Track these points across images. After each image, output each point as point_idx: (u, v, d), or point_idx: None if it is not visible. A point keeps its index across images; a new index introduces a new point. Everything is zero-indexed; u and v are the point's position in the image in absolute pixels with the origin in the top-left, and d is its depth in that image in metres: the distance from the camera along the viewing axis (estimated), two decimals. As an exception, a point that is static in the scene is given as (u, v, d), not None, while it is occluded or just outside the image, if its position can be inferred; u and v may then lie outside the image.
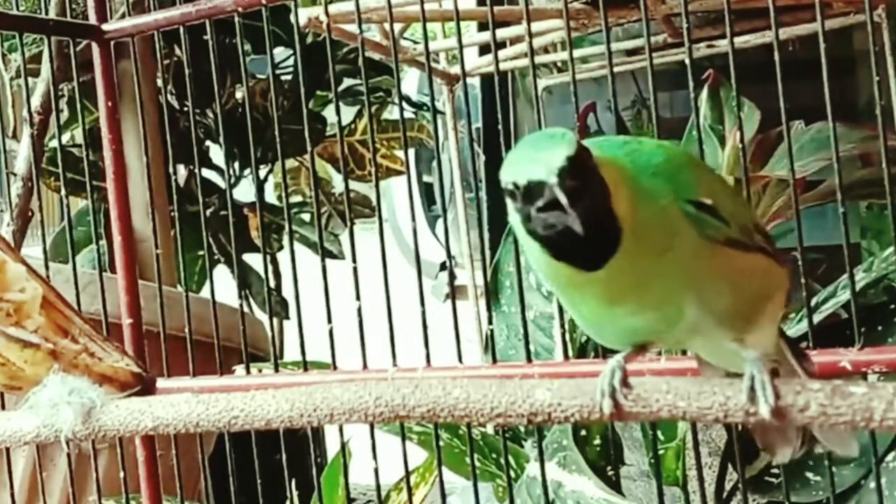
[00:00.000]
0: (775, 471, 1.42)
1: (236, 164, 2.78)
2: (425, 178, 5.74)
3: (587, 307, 0.74)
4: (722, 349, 0.79)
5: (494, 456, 1.48)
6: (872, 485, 1.28)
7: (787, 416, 0.71)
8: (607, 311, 0.74)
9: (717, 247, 0.73)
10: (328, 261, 1.35)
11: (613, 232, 0.69)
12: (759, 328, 0.78)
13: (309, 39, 2.58)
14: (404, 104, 2.96)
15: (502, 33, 1.81)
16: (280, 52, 2.93)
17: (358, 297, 1.27)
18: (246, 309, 2.63)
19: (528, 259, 0.77)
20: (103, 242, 1.89)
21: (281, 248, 2.80)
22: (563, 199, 0.66)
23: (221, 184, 2.64)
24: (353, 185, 2.90)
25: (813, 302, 1.43)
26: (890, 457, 1.32)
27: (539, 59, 2.20)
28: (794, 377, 0.84)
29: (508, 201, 0.70)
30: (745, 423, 0.83)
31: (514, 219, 0.71)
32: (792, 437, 0.87)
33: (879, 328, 1.36)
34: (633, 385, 0.75)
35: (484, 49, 2.29)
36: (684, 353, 1.28)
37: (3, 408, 1.38)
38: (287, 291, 2.73)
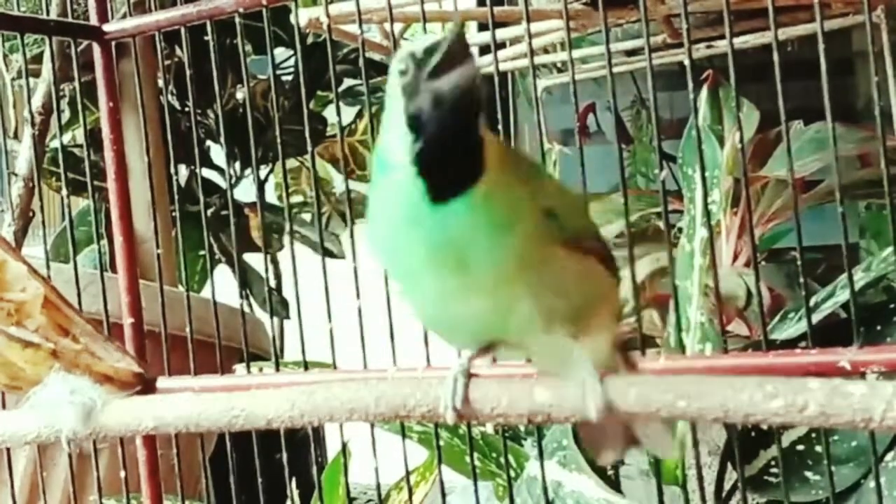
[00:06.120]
0: (775, 470, 1.42)
1: (237, 164, 2.78)
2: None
3: (431, 279, 0.74)
4: (560, 354, 0.81)
5: (494, 455, 1.48)
6: (872, 484, 1.28)
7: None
8: (449, 284, 0.74)
9: (554, 246, 0.76)
10: (328, 260, 1.35)
11: (477, 162, 0.72)
12: (588, 332, 0.80)
13: (309, 40, 2.58)
14: (404, 104, 2.96)
15: (502, 34, 1.81)
16: (280, 53, 2.93)
17: (358, 297, 1.27)
18: (246, 309, 2.63)
19: (378, 236, 0.77)
20: (104, 242, 1.89)
21: (281, 247, 2.80)
22: (467, 45, 0.70)
23: (222, 184, 2.64)
24: (353, 185, 2.89)
25: (812, 302, 1.44)
26: (889, 456, 1.32)
27: (539, 59, 2.20)
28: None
29: (396, 87, 0.72)
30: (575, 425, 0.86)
31: (395, 119, 0.73)
32: (617, 439, 0.91)
33: (878, 328, 1.36)
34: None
35: (484, 49, 2.30)
36: (683, 352, 1.29)
37: (4, 408, 1.38)
38: (287, 291, 2.73)
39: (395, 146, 0.73)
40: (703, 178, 1.19)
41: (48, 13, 1.69)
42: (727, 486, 1.54)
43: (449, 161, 0.72)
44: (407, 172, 0.72)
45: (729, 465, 1.54)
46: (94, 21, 1.46)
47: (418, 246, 0.73)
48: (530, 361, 0.92)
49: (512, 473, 1.36)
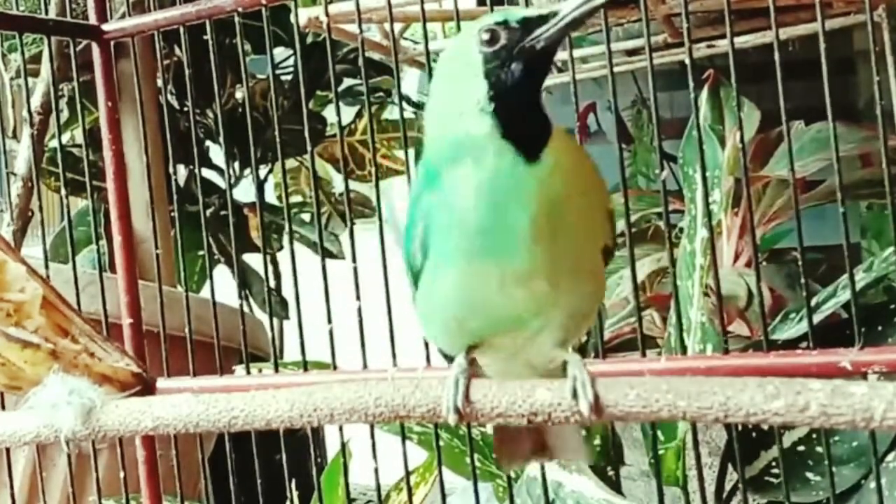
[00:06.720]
0: (775, 471, 1.42)
1: (236, 164, 2.78)
2: (425, 178, 5.72)
3: (483, 256, 0.75)
4: (546, 356, 0.82)
5: (494, 456, 1.48)
6: (872, 485, 1.28)
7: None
8: (508, 254, 0.74)
9: (597, 250, 0.79)
10: (328, 261, 1.35)
11: (547, 119, 0.76)
12: (577, 334, 0.83)
13: (309, 39, 2.58)
14: (404, 104, 2.97)
15: (502, 33, 1.80)
16: (280, 52, 2.93)
17: (358, 297, 1.27)
18: (246, 309, 2.63)
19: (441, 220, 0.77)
20: (103, 242, 1.89)
21: (281, 247, 2.80)
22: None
23: (221, 184, 2.64)
24: (353, 185, 2.90)
25: (813, 302, 1.43)
26: (890, 457, 1.32)
27: (539, 59, 2.20)
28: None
29: (474, 60, 0.75)
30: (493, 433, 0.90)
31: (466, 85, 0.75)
32: (525, 447, 0.92)
33: (879, 328, 1.36)
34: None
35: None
36: (684, 353, 1.28)
37: (3, 408, 1.38)
38: (287, 291, 2.73)
39: (473, 121, 0.74)
40: (704, 178, 1.18)
41: (47, 13, 1.69)
42: (728, 486, 1.53)
43: (532, 121, 0.75)
44: (493, 140, 0.73)
45: (729, 466, 1.53)
46: (92, 20, 1.46)
47: (520, 205, 0.73)
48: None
49: (512, 474, 1.36)
